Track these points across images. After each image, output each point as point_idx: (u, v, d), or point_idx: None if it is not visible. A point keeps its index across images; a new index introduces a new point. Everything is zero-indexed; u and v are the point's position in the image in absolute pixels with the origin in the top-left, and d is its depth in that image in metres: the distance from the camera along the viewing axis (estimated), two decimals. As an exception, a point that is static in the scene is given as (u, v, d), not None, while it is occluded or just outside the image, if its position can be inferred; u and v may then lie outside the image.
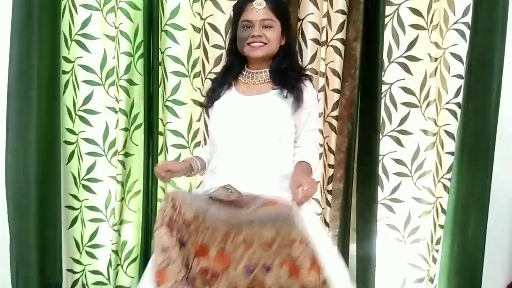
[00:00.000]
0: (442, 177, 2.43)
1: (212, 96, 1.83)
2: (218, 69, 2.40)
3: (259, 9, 1.70)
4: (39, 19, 2.39)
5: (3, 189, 2.53)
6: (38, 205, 2.53)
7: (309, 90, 1.79)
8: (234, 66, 1.84)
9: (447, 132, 2.38)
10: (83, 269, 2.71)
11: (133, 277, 2.70)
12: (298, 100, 1.73)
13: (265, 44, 1.72)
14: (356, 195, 2.49)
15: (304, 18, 2.32)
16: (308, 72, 1.93)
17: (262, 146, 1.71)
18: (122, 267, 2.69)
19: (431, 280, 2.55)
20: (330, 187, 2.51)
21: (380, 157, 2.48)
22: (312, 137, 1.86)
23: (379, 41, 2.30)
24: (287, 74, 1.76)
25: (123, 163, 2.56)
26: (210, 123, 1.83)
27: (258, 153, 1.70)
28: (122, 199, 2.62)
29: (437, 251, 2.51)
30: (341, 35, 2.34)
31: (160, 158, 2.55)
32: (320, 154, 2.44)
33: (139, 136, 2.58)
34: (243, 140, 1.71)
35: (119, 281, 2.70)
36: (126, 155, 2.57)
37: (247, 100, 1.76)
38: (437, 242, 2.49)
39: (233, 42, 1.82)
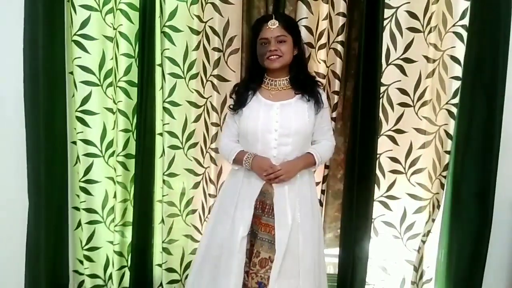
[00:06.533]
0: (439, 175, 2.51)
1: (241, 101, 2.09)
2: (218, 71, 2.47)
3: (273, 28, 2.00)
4: (44, 20, 2.38)
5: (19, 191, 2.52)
6: (46, 205, 2.53)
7: (323, 93, 2.15)
8: (256, 76, 2.12)
9: (446, 132, 2.46)
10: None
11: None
12: (318, 102, 2.08)
13: (280, 56, 2.01)
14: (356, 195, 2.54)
15: (298, 22, 2.37)
16: (318, 79, 2.26)
17: (296, 143, 2.05)
18: (129, 268, 2.68)
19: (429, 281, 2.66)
20: (323, 186, 2.57)
21: (377, 156, 2.53)
22: (328, 132, 2.20)
23: (378, 43, 2.36)
24: (305, 82, 2.10)
25: (124, 165, 2.55)
26: (245, 125, 2.06)
27: (294, 149, 2.05)
28: (125, 200, 2.60)
29: (423, 242, 2.59)
30: (342, 37, 2.38)
31: (160, 160, 2.55)
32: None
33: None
34: (281, 139, 2.03)
35: (126, 283, 2.69)
36: (128, 156, 2.56)
37: (278, 105, 2.05)
38: (426, 234, 2.58)
39: (252, 56, 2.11)
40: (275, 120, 2.03)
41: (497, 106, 2.38)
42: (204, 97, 2.54)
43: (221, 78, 2.50)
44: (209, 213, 2.62)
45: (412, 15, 2.39)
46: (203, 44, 2.47)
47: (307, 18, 2.37)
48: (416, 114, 2.50)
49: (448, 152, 2.47)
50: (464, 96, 2.43)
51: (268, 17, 2.08)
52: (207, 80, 2.51)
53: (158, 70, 2.49)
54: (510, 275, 2.65)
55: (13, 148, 2.51)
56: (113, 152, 2.58)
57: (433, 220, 2.56)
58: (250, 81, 2.13)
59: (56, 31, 2.44)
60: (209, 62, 2.48)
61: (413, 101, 2.49)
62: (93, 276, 2.69)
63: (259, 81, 2.12)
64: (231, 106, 2.13)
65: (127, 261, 2.69)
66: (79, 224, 2.67)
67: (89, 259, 2.66)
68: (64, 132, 2.55)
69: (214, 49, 2.45)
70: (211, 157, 2.61)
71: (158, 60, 2.47)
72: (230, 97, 2.17)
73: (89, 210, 2.63)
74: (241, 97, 2.11)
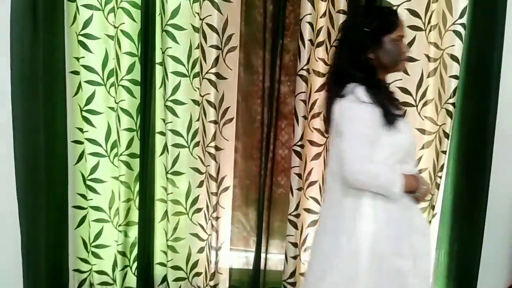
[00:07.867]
0: (435, 175, 2.47)
1: (393, 112, 1.71)
2: (215, 69, 2.46)
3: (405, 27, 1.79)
4: (43, 19, 2.41)
5: (13, 189, 2.54)
6: (46, 205, 2.55)
7: None
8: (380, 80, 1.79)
9: (444, 131, 2.41)
10: (90, 269, 2.71)
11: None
12: None
13: None
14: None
15: (303, 18, 2.35)
16: None
17: None
18: (131, 268, 2.69)
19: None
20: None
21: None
22: None
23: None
24: None
25: (127, 164, 2.57)
26: (402, 140, 1.71)
27: None
28: (128, 200, 2.62)
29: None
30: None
31: (161, 158, 2.58)
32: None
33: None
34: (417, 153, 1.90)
35: (127, 283, 2.70)
36: (132, 155, 2.59)
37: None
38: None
39: (365, 55, 1.72)
40: (413, 133, 1.82)
41: (491, 105, 2.34)
42: (200, 95, 2.52)
43: (220, 76, 2.49)
44: (213, 211, 2.61)
45: (413, 13, 2.35)
46: (200, 41, 2.47)
47: (310, 14, 2.34)
48: (419, 114, 2.46)
49: (444, 152, 2.42)
50: (461, 95, 2.40)
51: (395, 11, 1.83)
52: (203, 78, 2.49)
53: (160, 68, 2.50)
54: (510, 275, 2.60)
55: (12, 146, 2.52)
56: (117, 152, 2.59)
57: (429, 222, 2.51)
58: (379, 86, 1.75)
59: (56, 30, 2.48)
60: (205, 59, 2.46)
61: (415, 101, 2.45)
62: (100, 272, 2.71)
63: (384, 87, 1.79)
64: (391, 120, 1.68)
65: (129, 260, 2.69)
66: (80, 223, 2.70)
67: (97, 256, 2.68)
68: (64, 132, 2.58)
69: (213, 46, 2.45)
70: (209, 153, 2.57)
71: (160, 59, 2.48)
72: (377, 104, 1.66)
73: (96, 209, 2.65)
74: (388, 107, 1.70)
